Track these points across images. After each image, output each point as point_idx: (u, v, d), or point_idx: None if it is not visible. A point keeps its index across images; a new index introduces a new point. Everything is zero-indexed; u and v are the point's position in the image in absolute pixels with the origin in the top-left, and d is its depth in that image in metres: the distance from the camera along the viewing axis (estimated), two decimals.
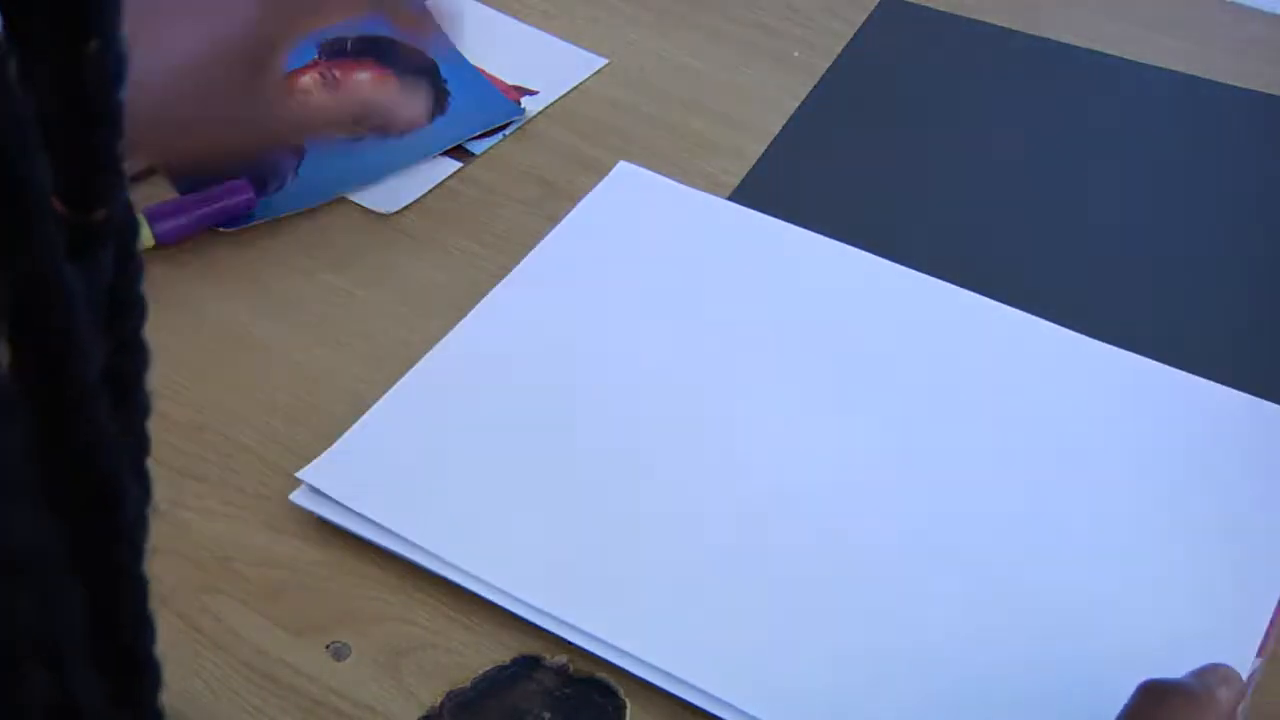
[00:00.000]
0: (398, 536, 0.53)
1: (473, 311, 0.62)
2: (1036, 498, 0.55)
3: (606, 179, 0.69)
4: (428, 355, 0.60)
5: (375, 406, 0.57)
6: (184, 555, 0.54)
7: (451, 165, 0.72)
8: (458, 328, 0.61)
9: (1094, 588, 0.52)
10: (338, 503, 0.54)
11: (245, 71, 0.57)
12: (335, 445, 0.56)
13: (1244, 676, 0.49)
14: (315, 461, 0.55)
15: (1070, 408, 0.58)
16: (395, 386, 0.59)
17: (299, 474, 0.55)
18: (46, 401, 0.24)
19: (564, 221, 0.67)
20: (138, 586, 0.28)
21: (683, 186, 0.69)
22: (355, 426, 0.57)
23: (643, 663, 0.49)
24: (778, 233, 0.65)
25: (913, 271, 0.63)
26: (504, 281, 0.64)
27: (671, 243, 0.65)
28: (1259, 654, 0.50)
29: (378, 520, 0.53)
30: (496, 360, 0.60)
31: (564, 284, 0.63)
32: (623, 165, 0.70)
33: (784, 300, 0.62)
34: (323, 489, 0.54)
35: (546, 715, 0.49)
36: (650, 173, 0.69)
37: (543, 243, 0.66)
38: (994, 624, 0.51)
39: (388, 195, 0.70)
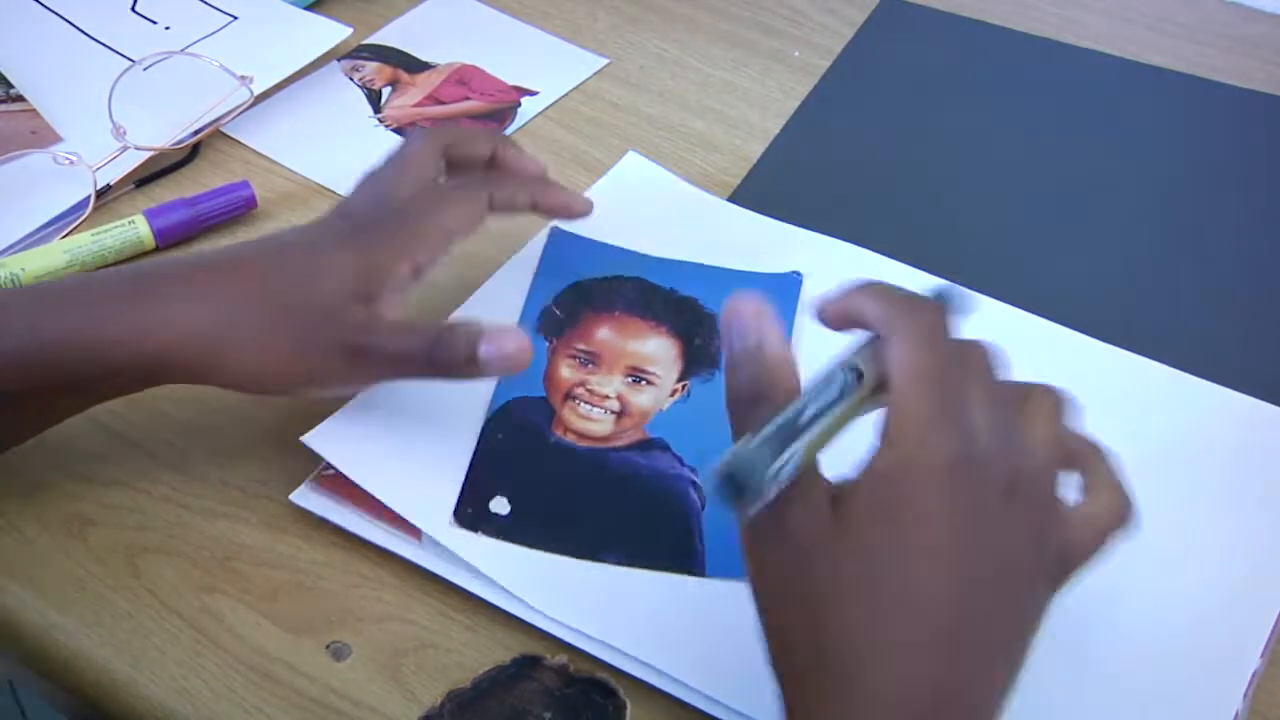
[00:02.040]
0: (396, 536, 0.53)
1: (468, 300, 0.62)
2: None
3: (614, 168, 0.69)
4: None
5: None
6: (184, 555, 0.54)
7: None
8: (455, 314, 0.61)
9: (1097, 588, 0.52)
10: (337, 483, 0.54)
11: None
12: (339, 412, 0.56)
13: (1247, 677, 0.49)
14: (319, 427, 0.55)
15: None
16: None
17: (304, 438, 0.55)
18: None
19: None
20: None
21: (687, 185, 0.69)
22: (357, 397, 0.56)
23: (642, 663, 0.49)
24: (780, 234, 0.65)
25: (913, 270, 0.63)
26: (501, 268, 0.63)
27: (672, 238, 0.65)
28: (1261, 655, 0.49)
29: (376, 494, 0.53)
30: None
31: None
32: (631, 155, 0.70)
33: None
34: (325, 455, 0.54)
35: (547, 715, 0.49)
36: (657, 166, 0.70)
37: (546, 230, 0.66)
38: None
39: None
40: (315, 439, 0.55)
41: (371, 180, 0.59)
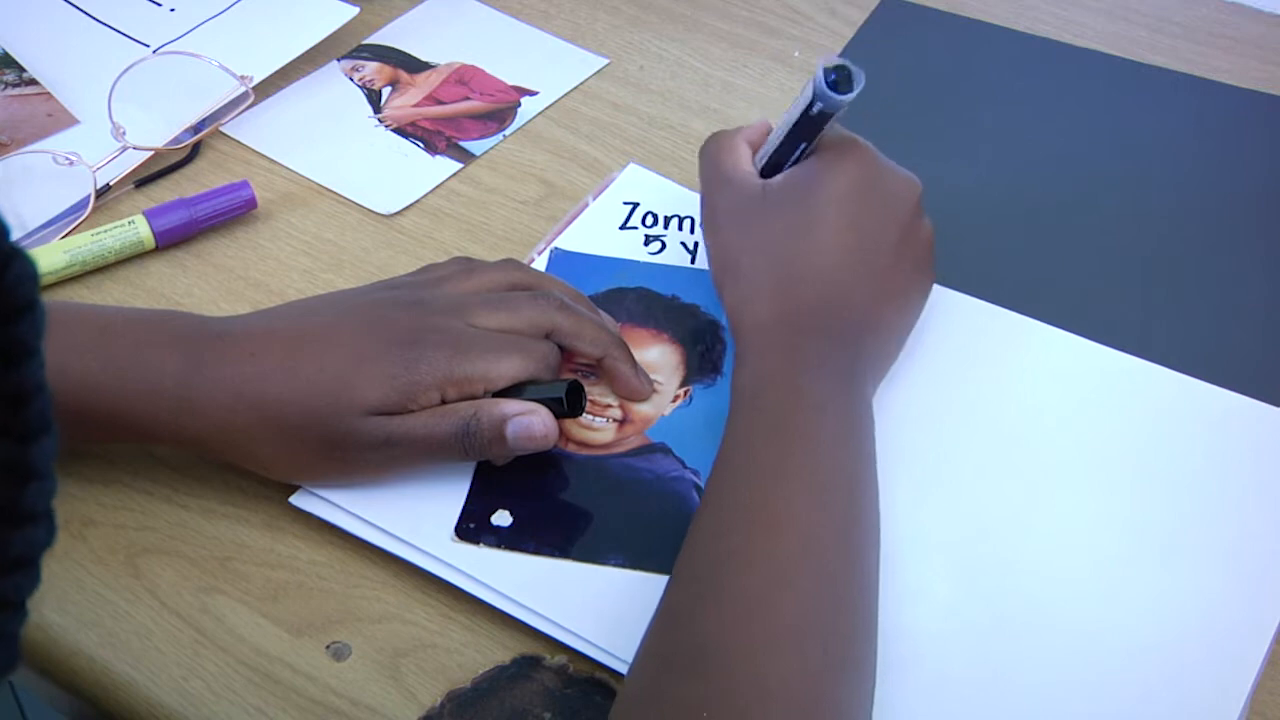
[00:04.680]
0: (397, 539, 0.53)
1: None
2: (1040, 501, 0.55)
3: (616, 180, 0.69)
4: None
5: None
6: (184, 555, 0.54)
7: (452, 165, 0.72)
8: None
9: (1098, 591, 0.52)
10: (338, 505, 0.54)
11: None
12: None
13: (1250, 679, 0.49)
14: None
15: (1071, 412, 0.58)
16: None
17: (293, 499, 0.55)
18: None
19: (575, 223, 0.67)
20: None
21: (689, 191, 0.69)
22: None
23: None
24: None
25: None
26: None
27: (674, 245, 0.65)
28: (1264, 658, 0.49)
29: (378, 524, 0.54)
30: None
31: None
32: (633, 167, 0.70)
33: None
34: (324, 495, 0.54)
35: (547, 715, 0.49)
36: (659, 176, 0.69)
37: (554, 242, 0.66)
38: (1001, 625, 0.51)
39: (388, 195, 0.70)
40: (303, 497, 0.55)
41: (467, 274, 0.58)
